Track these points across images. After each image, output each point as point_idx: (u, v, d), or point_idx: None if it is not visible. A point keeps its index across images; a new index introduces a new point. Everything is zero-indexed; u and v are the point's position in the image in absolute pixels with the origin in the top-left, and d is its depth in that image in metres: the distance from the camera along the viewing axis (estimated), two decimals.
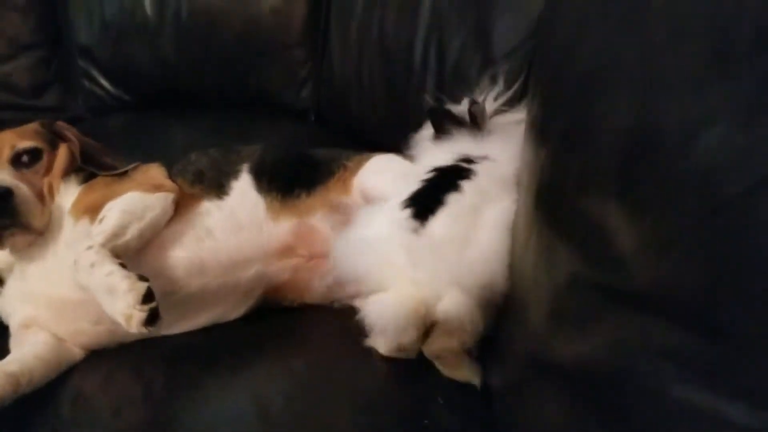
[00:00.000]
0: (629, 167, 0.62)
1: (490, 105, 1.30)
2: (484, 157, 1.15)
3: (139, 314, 0.94)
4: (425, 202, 1.05)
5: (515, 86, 1.38)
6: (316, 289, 1.25)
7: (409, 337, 0.96)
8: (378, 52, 1.84)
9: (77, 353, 1.13)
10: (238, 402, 0.99)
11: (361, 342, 1.03)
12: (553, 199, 0.82)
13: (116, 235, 1.07)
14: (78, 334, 1.13)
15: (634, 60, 0.64)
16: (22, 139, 1.24)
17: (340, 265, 1.09)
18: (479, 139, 1.21)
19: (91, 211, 1.15)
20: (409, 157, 1.36)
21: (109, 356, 1.12)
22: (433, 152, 1.24)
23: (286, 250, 1.24)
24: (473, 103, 1.25)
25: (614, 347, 0.63)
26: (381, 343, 0.99)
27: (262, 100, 2.23)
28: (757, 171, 0.48)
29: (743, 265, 0.49)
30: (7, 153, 1.21)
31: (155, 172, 1.30)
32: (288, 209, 1.27)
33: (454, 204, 1.03)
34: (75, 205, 1.19)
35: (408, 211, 1.04)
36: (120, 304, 0.95)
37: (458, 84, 1.59)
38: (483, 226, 1.01)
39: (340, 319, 1.13)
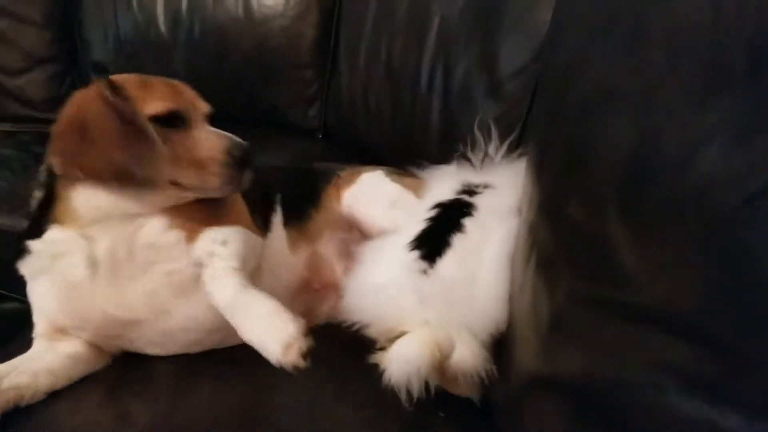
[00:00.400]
0: (630, 184, 0.64)
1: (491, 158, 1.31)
2: (486, 186, 1.17)
3: (300, 345, 0.90)
4: (432, 244, 1.07)
5: (509, 138, 1.37)
6: (321, 313, 1.26)
7: (432, 380, 0.96)
8: (385, 73, 1.87)
9: (96, 364, 1.12)
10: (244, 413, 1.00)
11: (364, 356, 1.04)
12: (555, 216, 0.83)
13: (243, 264, 1.04)
14: (110, 346, 1.12)
15: (635, 81, 0.66)
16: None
17: (353, 310, 1.10)
18: (482, 168, 1.25)
19: (188, 228, 1.08)
20: (415, 175, 1.38)
21: (110, 375, 1.12)
22: (438, 181, 1.27)
23: (305, 285, 1.26)
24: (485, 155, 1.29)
25: (614, 361, 0.64)
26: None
27: (271, 117, 2.25)
28: (753, 185, 0.50)
29: (741, 278, 0.50)
30: (202, 112, 1.15)
31: (242, 204, 1.22)
32: (302, 236, 1.28)
33: (460, 246, 1.06)
34: (170, 212, 1.09)
35: (416, 253, 1.06)
36: (281, 332, 0.91)
37: (463, 105, 1.61)
38: (486, 263, 1.04)
39: (344, 334, 1.14)
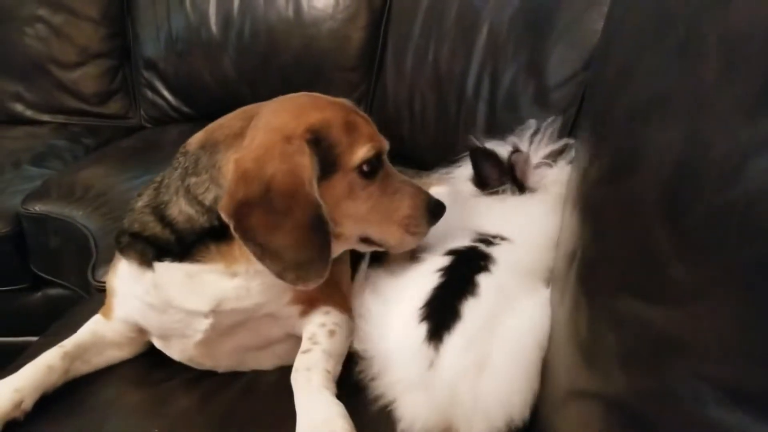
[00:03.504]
0: (677, 193, 0.63)
1: (533, 156, 1.22)
2: (504, 238, 1.09)
3: None
4: (441, 312, 0.97)
5: (560, 142, 1.27)
6: None
7: None
8: (432, 78, 1.87)
9: (141, 348, 1.15)
10: None
11: None
12: (599, 225, 0.82)
13: (336, 364, 1.02)
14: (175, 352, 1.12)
15: (686, 88, 0.65)
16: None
17: (368, 356, 1.04)
18: (498, 210, 1.16)
19: (305, 302, 1.06)
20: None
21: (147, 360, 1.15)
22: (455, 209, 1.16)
23: None
24: (515, 151, 1.19)
25: (654, 372, 0.63)
26: None
27: None
28: None
29: None
30: (386, 150, 1.06)
31: (348, 268, 1.17)
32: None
33: (470, 316, 0.95)
34: None
35: (423, 329, 0.96)
36: None
37: (509, 113, 1.60)
38: (501, 348, 0.95)
39: None
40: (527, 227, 1.12)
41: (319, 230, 0.91)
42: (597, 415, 0.73)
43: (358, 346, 1.05)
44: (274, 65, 2.25)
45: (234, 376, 1.09)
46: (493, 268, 1.02)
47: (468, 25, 1.76)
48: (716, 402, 0.54)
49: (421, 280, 1.03)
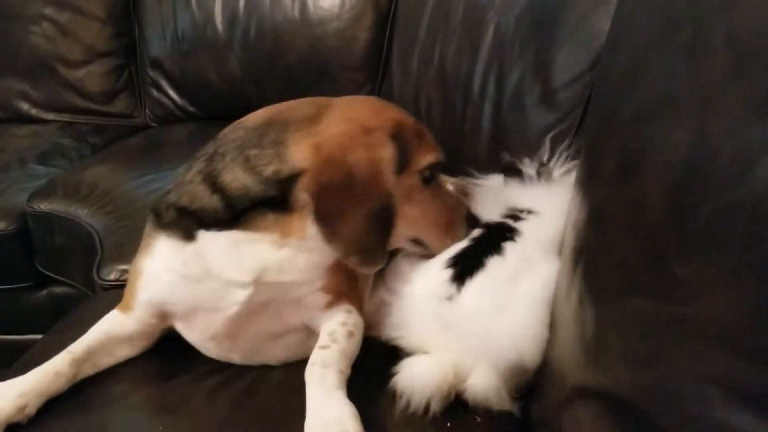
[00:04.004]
0: (683, 194, 0.63)
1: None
2: (531, 211, 1.15)
3: None
4: (467, 263, 1.05)
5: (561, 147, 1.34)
6: None
7: (435, 403, 0.97)
8: (437, 78, 1.87)
9: (150, 343, 1.15)
10: None
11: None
12: (605, 225, 0.82)
13: (348, 365, 1.02)
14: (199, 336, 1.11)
15: (693, 88, 0.65)
16: None
17: (390, 320, 1.09)
18: (530, 188, 1.22)
19: (332, 293, 1.08)
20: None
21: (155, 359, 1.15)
22: (486, 199, 1.24)
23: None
24: (541, 164, 1.27)
25: (659, 371, 0.63)
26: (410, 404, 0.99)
27: None
28: None
29: None
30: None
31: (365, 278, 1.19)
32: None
33: (493, 269, 1.03)
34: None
35: (448, 273, 1.04)
36: None
37: (515, 113, 1.60)
38: (519, 296, 1.01)
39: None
40: (553, 201, 1.16)
41: (386, 220, 0.99)
42: (602, 413, 0.73)
43: (385, 296, 1.11)
44: (280, 65, 2.26)
45: (241, 373, 1.10)
46: (518, 239, 1.08)
47: (474, 25, 1.76)
48: (722, 402, 0.53)
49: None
